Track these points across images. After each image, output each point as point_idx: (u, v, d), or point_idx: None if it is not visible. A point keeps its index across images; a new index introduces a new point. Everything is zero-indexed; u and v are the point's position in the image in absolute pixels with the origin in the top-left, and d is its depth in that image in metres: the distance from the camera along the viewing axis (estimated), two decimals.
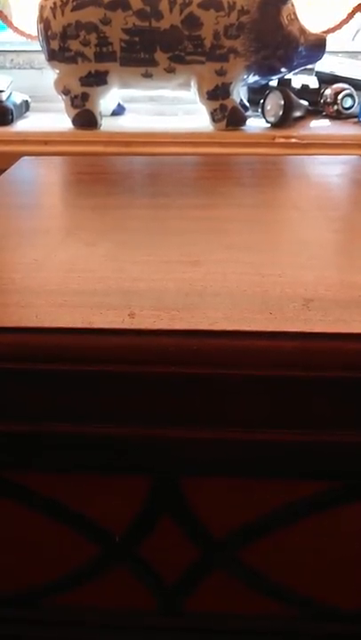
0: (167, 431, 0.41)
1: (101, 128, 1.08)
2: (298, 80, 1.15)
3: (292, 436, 0.41)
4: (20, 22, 1.25)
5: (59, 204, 0.71)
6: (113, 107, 1.15)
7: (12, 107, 1.10)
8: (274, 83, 1.11)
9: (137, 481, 0.45)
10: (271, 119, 1.08)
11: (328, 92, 1.12)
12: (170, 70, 1.02)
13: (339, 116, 1.12)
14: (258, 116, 1.11)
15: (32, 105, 1.18)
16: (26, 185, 0.78)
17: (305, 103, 1.14)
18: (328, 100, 1.12)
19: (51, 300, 0.43)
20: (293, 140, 1.03)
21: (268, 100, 1.08)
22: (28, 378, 0.40)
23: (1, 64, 1.27)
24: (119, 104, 1.17)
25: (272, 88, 1.09)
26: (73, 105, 1.06)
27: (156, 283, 0.46)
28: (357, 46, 1.29)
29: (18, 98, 1.14)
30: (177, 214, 0.62)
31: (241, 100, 1.11)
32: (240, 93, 1.11)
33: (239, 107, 1.07)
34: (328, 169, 0.83)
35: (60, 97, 1.08)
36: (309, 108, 1.15)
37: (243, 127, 1.07)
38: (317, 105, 1.15)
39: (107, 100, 1.10)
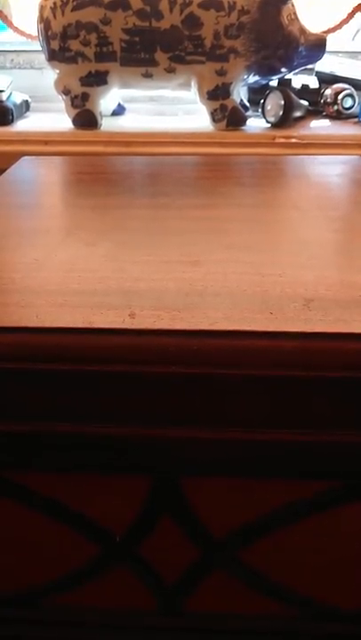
0: (167, 431, 0.41)
1: (101, 128, 1.08)
2: (298, 80, 1.15)
3: (293, 436, 0.41)
4: (20, 22, 1.25)
5: (59, 204, 0.71)
6: (113, 107, 1.15)
7: (12, 107, 1.10)
8: (274, 83, 1.11)
9: (137, 481, 0.45)
10: (271, 119, 1.08)
11: (328, 92, 1.12)
12: (170, 70, 1.02)
13: (339, 116, 1.12)
14: (258, 116, 1.11)
15: (32, 105, 1.18)
16: (26, 185, 0.78)
17: (305, 103, 1.14)
18: (328, 100, 1.12)
19: (51, 300, 0.43)
20: (294, 140, 1.03)
21: (268, 100, 1.08)
22: (28, 378, 0.40)
23: (1, 64, 1.27)
24: (119, 104, 1.17)
25: (272, 88, 1.09)
26: (73, 105, 1.06)
27: (157, 283, 0.46)
28: (358, 46, 1.29)
29: (18, 98, 1.14)
30: (177, 214, 0.62)
31: (241, 100, 1.11)
32: (240, 93, 1.11)
33: (239, 107, 1.07)
34: (328, 169, 0.83)
35: (60, 97, 1.08)
36: (310, 108, 1.15)
37: (243, 127, 1.07)
38: (318, 105, 1.15)
39: (107, 99, 1.10)
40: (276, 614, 0.50)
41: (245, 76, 1.04)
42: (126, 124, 1.13)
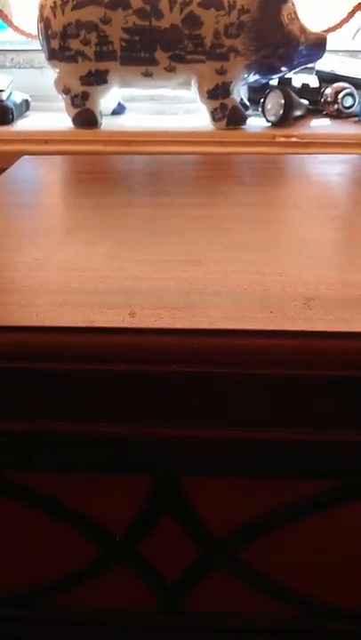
0: (168, 430, 0.41)
1: (102, 127, 1.08)
2: (298, 79, 1.15)
3: (293, 435, 0.41)
4: (20, 21, 1.25)
5: (59, 204, 0.71)
6: (113, 106, 1.15)
7: (12, 106, 1.10)
8: (274, 82, 1.11)
9: (137, 480, 0.45)
10: (271, 118, 1.08)
11: (328, 91, 1.12)
12: (170, 69, 1.02)
13: (339, 115, 1.12)
14: (258, 115, 1.11)
15: (32, 104, 1.18)
16: (26, 184, 0.78)
17: (305, 102, 1.14)
18: (328, 99, 1.12)
19: (51, 299, 0.43)
20: (294, 139, 1.03)
21: (268, 99, 1.08)
22: (28, 377, 0.40)
23: (1, 63, 1.27)
24: (119, 103, 1.17)
25: (272, 87, 1.09)
26: (73, 104, 1.06)
27: (157, 282, 0.46)
28: (358, 45, 1.29)
29: (18, 97, 1.14)
30: (177, 213, 0.62)
31: (241, 99, 1.11)
32: (240, 92, 1.11)
33: (239, 106, 1.07)
34: (328, 168, 0.83)
35: (60, 96, 1.08)
36: (310, 107, 1.15)
37: (243, 126, 1.07)
38: (318, 104, 1.15)
39: (107, 99, 1.10)
40: (276, 613, 0.50)
41: (245, 75, 1.04)
42: (126, 123, 1.13)
